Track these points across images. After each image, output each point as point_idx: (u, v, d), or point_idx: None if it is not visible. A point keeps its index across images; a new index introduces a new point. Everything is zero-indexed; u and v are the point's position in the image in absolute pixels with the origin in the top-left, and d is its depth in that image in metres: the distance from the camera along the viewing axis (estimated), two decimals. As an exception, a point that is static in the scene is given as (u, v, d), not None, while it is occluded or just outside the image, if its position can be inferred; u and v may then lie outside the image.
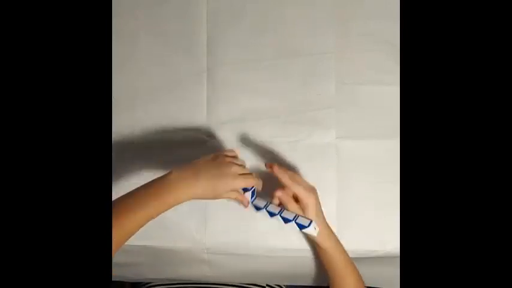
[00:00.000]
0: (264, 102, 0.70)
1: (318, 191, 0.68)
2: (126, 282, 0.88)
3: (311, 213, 0.61)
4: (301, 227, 0.60)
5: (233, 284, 0.77)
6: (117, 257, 0.72)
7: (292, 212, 0.61)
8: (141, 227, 0.55)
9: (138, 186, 0.57)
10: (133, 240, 0.69)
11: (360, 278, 0.65)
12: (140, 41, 0.72)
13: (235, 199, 0.60)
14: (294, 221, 0.60)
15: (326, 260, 0.65)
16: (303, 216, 0.61)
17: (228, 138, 0.70)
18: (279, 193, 0.61)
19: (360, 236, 0.68)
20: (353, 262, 0.66)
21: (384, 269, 0.72)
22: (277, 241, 0.68)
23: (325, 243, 0.63)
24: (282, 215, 0.61)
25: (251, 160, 0.69)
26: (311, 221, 0.60)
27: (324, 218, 0.64)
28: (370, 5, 0.71)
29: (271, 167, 0.61)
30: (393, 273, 0.68)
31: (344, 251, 0.65)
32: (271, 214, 0.61)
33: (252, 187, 0.60)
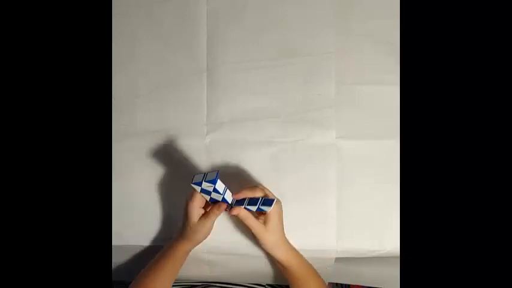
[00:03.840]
0: (264, 102, 0.70)
1: (318, 191, 0.68)
2: (126, 282, 0.88)
3: (272, 223, 0.61)
4: (269, 202, 0.60)
5: (233, 284, 0.77)
6: (117, 257, 0.72)
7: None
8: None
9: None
10: (134, 240, 0.70)
11: (321, 281, 0.67)
12: (140, 41, 0.72)
13: (213, 214, 0.61)
14: (260, 204, 0.60)
15: (283, 269, 0.66)
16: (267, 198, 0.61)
17: (228, 138, 0.70)
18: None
19: (360, 236, 0.68)
20: (312, 268, 0.67)
21: (383, 269, 0.72)
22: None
23: (280, 256, 0.64)
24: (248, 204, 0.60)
25: (251, 161, 0.69)
26: (274, 200, 0.60)
27: (282, 229, 0.64)
28: (370, 5, 0.70)
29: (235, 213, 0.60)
30: (393, 273, 0.68)
31: (298, 259, 0.65)
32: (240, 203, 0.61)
33: (210, 195, 0.60)
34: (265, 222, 0.62)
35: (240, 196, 0.61)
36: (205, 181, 0.58)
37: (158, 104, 0.71)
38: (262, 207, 0.60)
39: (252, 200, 0.61)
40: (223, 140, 0.70)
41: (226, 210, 0.62)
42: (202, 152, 0.70)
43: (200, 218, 0.62)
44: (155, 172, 0.70)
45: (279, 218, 0.63)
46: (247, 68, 0.70)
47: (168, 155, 0.70)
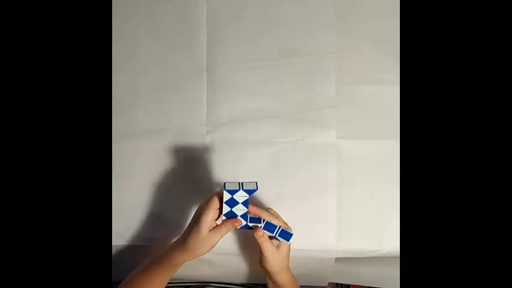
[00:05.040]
0: (264, 102, 0.70)
1: (318, 191, 0.68)
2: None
3: (284, 248, 0.61)
4: (287, 236, 0.59)
5: (233, 283, 0.77)
6: (117, 257, 0.72)
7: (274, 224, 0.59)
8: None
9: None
10: (134, 240, 0.70)
11: None
12: (140, 41, 0.72)
13: (226, 228, 0.58)
14: (277, 233, 0.59)
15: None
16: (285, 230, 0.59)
17: (228, 138, 0.70)
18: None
19: (360, 236, 0.68)
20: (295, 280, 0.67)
21: (383, 269, 0.72)
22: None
23: (282, 280, 0.64)
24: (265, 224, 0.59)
25: (251, 161, 0.69)
26: (292, 234, 0.59)
27: (288, 256, 0.63)
28: (370, 5, 0.71)
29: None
30: (393, 273, 0.68)
31: (288, 276, 0.65)
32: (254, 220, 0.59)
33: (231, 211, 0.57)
34: (277, 246, 0.61)
35: (257, 214, 0.59)
36: (243, 189, 0.55)
37: (158, 104, 0.71)
38: (280, 238, 0.59)
39: (268, 224, 0.58)
40: (223, 140, 0.70)
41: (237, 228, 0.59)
42: (202, 152, 0.70)
43: (210, 229, 0.58)
44: (155, 172, 0.70)
45: (289, 245, 0.62)
46: (247, 68, 0.70)
47: (168, 155, 0.70)
